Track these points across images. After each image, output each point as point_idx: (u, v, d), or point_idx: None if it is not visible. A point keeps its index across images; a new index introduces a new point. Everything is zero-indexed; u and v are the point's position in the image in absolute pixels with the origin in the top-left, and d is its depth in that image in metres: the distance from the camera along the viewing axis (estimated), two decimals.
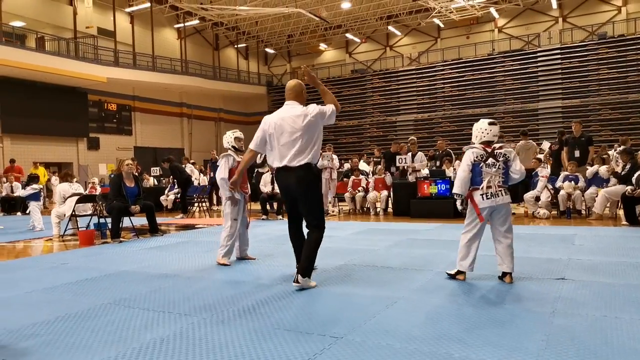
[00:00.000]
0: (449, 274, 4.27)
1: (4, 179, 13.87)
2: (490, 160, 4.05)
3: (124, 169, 7.58)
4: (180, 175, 11.37)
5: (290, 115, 4.13)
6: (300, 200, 4.09)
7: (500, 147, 4.15)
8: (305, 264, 4.02)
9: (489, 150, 4.09)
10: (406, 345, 2.70)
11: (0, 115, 19.98)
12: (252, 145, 4.26)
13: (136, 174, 8.91)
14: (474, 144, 4.22)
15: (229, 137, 5.71)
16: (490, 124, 4.20)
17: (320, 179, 4.43)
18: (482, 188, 4.02)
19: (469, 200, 4.18)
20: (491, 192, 4.02)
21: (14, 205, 13.23)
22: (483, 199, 4.04)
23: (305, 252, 4.04)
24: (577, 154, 9.56)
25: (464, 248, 4.18)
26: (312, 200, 4.09)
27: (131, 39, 25.42)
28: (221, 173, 5.29)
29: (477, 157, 4.07)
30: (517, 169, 4.14)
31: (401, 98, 29.17)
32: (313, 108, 4.16)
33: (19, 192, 9.91)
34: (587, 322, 3.03)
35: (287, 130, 4.06)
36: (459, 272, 4.20)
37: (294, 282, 4.06)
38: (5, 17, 19.72)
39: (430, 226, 8.04)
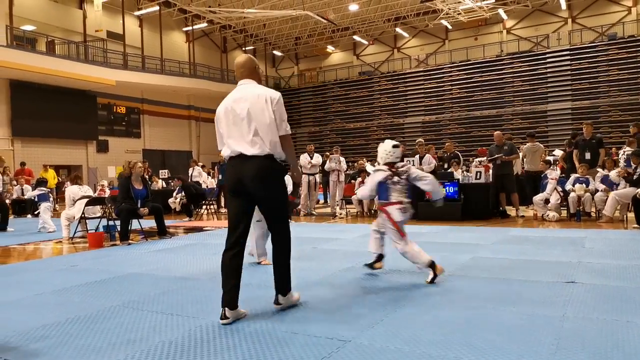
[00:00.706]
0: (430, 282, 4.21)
1: (15, 182, 14.01)
2: (395, 179, 4.44)
3: (135, 171, 7.62)
4: (195, 193, 11.67)
5: (251, 94, 3.36)
6: (260, 199, 3.38)
7: (403, 166, 4.55)
8: (286, 281, 3.51)
9: (393, 170, 4.47)
10: (414, 349, 2.69)
11: (11, 118, 20.21)
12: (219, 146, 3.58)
13: (146, 176, 8.97)
14: (379, 164, 4.61)
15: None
16: (393, 146, 4.57)
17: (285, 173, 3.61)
18: (398, 204, 4.42)
19: (381, 211, 4.54)
20: (405, 208, 4.44)
21: (24, 208, 13.36)
22: (400, 214, 4.41)
23: (282, 270, 3.48)
24: (587, 156, 9.48)
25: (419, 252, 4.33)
26: (276, 199, 3.41)
27: (140, 42, 25.63)
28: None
29: (383, 177, 4.44)
30: (425, 180, 4.55)
31: (409, 100, 29.13)
32: (277, 101, 3.36)
33: (29, 194, 10.03)
34: (598, 326, 3.00)
35: (248, 112, 3.31)
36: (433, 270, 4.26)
37: (274, 304, 3.51)
38: (16, 21, 19.96)
39: (437, 229, 8.01)
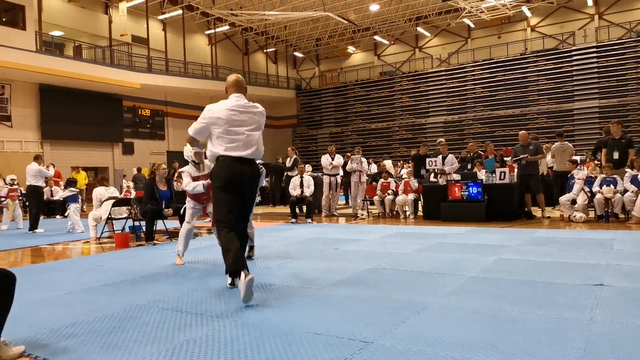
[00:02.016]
0: None
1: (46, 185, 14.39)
2: None
3: (159, 173, 7.72)
4: None
5: (250, 109, 4.12)
6: (248, 196, 4.10)
7: None
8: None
9: None
10: (438, 351, 2.67)
11: (40, 121, 20.77)
12: (191, 131, 4.16)
13: (176, 175, 9.15)
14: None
15: (191, 152, 6.09)
16: None
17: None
18: None
19: None
20: None
21: (54, 209, 13.71)
22: None
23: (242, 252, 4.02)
24: (615, 155, 9.24)
25: None
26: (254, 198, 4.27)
27: (164, 45, 26.05)
28: (189, 185, 5.93)
29: None
30: None
31: (430, 100, 28.87)
32: (264, 113, 4.24)
33: (59, 194, 10.29)
34: (628, 330, 2.92)
35: (248, 122, 4.05)
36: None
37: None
38: (45, 27, 20.52)
39: (461, 230, 7.92)
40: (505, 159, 10.99)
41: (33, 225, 9.71)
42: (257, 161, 4.18)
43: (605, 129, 10.80)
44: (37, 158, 10.26)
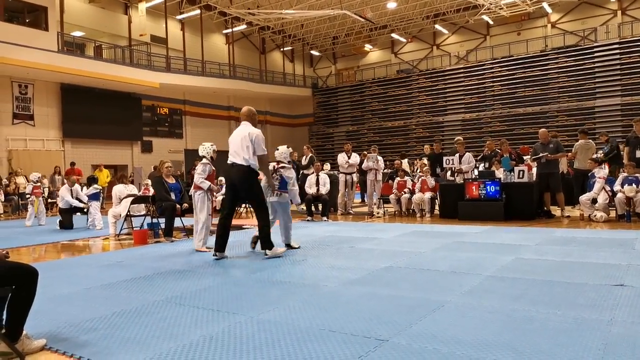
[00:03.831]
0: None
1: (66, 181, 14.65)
2: (273, 175, 6.26)
3: (164, 171, 7.98)
4: None
5: (243, 131, 5.71)
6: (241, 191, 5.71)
7: (281, 167, 6.40)
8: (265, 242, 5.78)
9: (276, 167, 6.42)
10: (453, 350, 2.65)
11: (62, 120, 21.17)
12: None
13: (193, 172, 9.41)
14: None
15: (209, 149, 6.78)
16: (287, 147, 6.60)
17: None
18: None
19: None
20: (277, 193, 6.30)
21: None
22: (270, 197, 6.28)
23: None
24: (638, 154, 9.04)
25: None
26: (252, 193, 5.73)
27: (182, 45, 26.31)
28: (200, 175, 6.53)
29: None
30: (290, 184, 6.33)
31: (448, 98, 28.60)
32: (254, 136, 5.65)
33: (83, 193, 10.42)
34: None
35: (238, 139, 5.68)
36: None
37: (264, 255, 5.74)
38: (66, 27, 20.89)
39: (478, 229, 7.84)
40: (524, 157, 10.82)
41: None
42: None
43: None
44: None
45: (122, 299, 4.02)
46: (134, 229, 8.32)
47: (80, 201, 10.25)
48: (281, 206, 6.34)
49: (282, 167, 6.39)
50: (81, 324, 3.35)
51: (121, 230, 8.60)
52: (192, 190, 6.64)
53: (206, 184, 6.50)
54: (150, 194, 8.81)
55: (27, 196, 11.55)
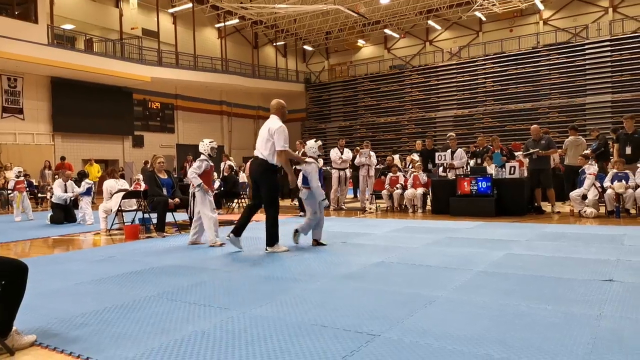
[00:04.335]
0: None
1: (57, 176, 14.52)
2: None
3: (156, 166, 7.94)
4: (234, 185, 12.13)
5: (267, 126, 5.76)
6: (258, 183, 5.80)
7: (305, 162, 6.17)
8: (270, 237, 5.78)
9: None
10: (444, 345, 2.67)
11: (52, 114, 20.96)
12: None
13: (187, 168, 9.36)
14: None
15: (207, 145, 6.72)
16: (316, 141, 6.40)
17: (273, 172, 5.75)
18: None
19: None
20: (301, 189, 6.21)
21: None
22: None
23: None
24: (628, 150, 9.12)
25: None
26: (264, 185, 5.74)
27: (174, 39, 26.11)
28: (195, 170, 6.46)
29: None
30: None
31: (441, 94, 28.67)
32: (274, 130, 5.63)
33: (77, 190, 10.29)
34: (636, 325, 2.90)
35: (262, 133, 5.74)
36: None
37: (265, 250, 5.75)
38: (56, 20, 20.64)
39: (470, 224, 7.89)
40: (516, 153, 10.89)
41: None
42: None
43: (614, 128, 10.69)
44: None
45: (114, 294, 4.00)
46: (125, 224, 8.28)
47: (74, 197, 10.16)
48: (307, 202, 6.12)
49: (306, 162, 6.21)
50: (72, 319, 3.33)
51: (112, 225, 8.55)
52: (191, 188, 6.64)
53: (197, 181, 6.43)
54: (142, 189, 8.76)
55: (9, 192, 11.40)
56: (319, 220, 6.15)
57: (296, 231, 6.15)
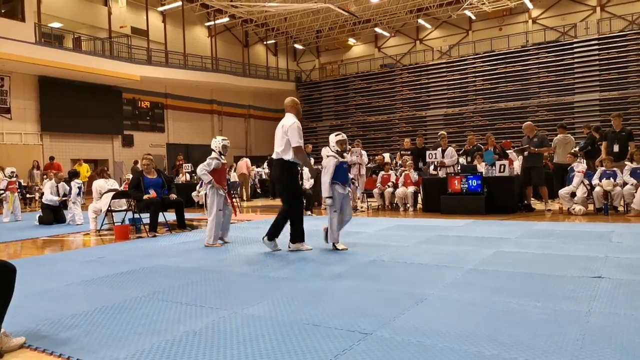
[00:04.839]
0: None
1: (46, 177, 14.37)
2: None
3: (142, 167, 7.96)
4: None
5: (282, 123, 5.69)
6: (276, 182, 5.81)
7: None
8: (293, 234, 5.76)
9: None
10: (436, 343, 2.69)
11: (40, 114, 20.73)
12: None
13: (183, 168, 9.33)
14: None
15: (219, 143, 6.67)
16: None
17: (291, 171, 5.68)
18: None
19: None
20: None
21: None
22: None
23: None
24: (616, 148, 9.23)
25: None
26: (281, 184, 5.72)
27: (163, 37, 25.92)
28: (205, 167, 6.41)
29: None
30: None
31: (431, 92, 28.77)
32: (289, 127, 5.56)
33: (73, 192, 10.14)
34: (625, 321, 2.94)
35: (278, 132, 5.68)
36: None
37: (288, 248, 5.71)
38: (43, 18, 20.40)
39: (460, 222, 7.93)
40: (507, 151, 10.96)
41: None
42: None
43: (594, 127, 10.78)
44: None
45: (104, 295, 3.97)
46: (115, 224, 8.22)
47: (65, 195, 10.04)
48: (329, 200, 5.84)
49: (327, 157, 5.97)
50: (61, 320, 3.30)
51: (102, 225, 8.48)
52: (204, 186, 6.55)
53: (207, 177, 6.38)
54: None
55: (1, 192, 11.28)
56: (344, 222, 5.88)
57: (333, 245, 5.79)
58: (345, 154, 6.04)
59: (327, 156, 5.92)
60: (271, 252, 5.67)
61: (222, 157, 6.65)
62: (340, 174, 5.81)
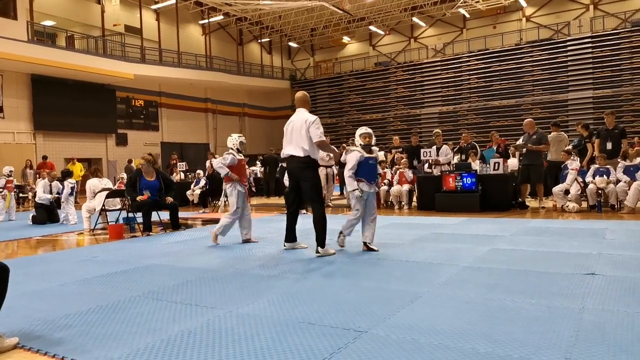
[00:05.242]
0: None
1: (39, 176, 14.28)
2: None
3: (139, 166, 7.86)
4: (220, 182, 12.12)
5: (298, 121, 5.40)
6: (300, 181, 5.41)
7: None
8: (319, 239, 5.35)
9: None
10: (430, 340, 2.69)
11: (32, 112, 20.59)
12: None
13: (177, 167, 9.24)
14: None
15: (236, 140, 6.62)
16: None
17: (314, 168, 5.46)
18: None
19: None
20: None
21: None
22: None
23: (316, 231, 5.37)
24: (609, 146, 9.28)
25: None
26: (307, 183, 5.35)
27: (157, 35, 25.80)
28: (222, 161, 6.39)
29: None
30: None
31: (425, 90, 28.82)
32: (312, 122, 5.31)
33: (65, 192, 10.06)
34: (618, 318, 2.96)
35: (295, 129, 5.37)
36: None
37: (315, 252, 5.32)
38: (36, 16, 20.26)
39: (455, 220, 7.95)
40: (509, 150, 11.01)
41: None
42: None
43: (582, 124, 10.81)
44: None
45: (98, 294, 3.95)
46: (109, 223, 8.18)
47: (58, 193, 9.97)
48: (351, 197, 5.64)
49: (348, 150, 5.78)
50: (55, 320, 3.28)
51: (96, 225, 8.44)
52: (224, 184, 6.61)
53: (224, 170, 6.31)
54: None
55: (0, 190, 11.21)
56: (366, 220, 5.51)
57: (340, 233, 5.68)
58: (374, 148, 5.68)
59: (351, 150, 5.65)
60: (262, 250, 5.65)
61: (240, 154, 6.56)
62: (365, 170, 5.48)
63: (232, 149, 6.57)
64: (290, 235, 5.72)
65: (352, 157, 5.54)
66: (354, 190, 5.41)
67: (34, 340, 2.92)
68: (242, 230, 6.48)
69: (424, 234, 6.55)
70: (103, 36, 22.77)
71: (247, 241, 6.41)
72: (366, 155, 5.51)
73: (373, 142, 5.71)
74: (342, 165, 12.16)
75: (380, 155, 14.06)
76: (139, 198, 7.53)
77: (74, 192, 10.73)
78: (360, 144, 5.58)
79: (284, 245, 5.72)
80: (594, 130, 10.22)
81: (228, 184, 6.42)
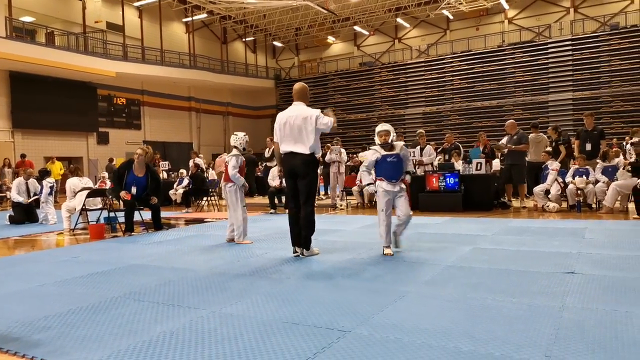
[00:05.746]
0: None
1: (17, 175, 14.00)
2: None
3: (135, 159, 7.60)
4: (202, 182, 12.21)
5: (299, 115, 5.11)
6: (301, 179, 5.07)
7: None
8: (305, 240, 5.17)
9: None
10: (414, 339, 2.71)
11: (11, 110, 20.18)
12: (275, 138, 5.31)
13: (152, 164, 9.10)
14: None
15: (242, 139, 6.44)
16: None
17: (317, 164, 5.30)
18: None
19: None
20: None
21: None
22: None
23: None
24: (588, 147, 9.46)
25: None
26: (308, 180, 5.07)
27: (140, 33, 25.51)
28: (234, 168, 6.18)
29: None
30: None
31: (409, 91, 29.02)
32: (316, 117, 5.06)
33: (37, 190, 9.85)
34: (597, 316, 3.01)
35: (296, 125, 5.07)
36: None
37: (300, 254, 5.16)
38: (15, 12, 19.85)
39: (438, 220, 8.02)
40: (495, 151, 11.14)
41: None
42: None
43: (553, 127, 10.98)
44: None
45: (78, 295, 3.89)
46: (90, 223, 8.05)
47: (35, 194, 9.78)
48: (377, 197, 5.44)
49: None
50: (34, 322, 3.21)
51: (76, 224, 8.30)
52: (222, 183, 6.38)
53: (241, 181, 6.16)
54: (107, 187, 8.54)
55: None
56: (400, 221, 5.30)
57: (394, 233, 5.36)
58: (396, 143, 5.34)
59: (370, 148, 5.46)
60: (244, 250, 5.62)
61: (244, 152, 6.45)
62: (385, 169, 5.21)
63: (237, 147, 6.37)
64: (299, 240, 5.20)
65: (368, 155, 5.50)
66: (368, 185, 5.37)
67: (11, 343, 2.86)
68: (230, 228, 6.36)
69: (407, 234, 6.56)
70: (84, 33, 22.44)
71: (231, 240, 6.32)
72: (384, 153, 5.21)
73: (391, 137, 5.25)
74: (326, 165, 12.21)
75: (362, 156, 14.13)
76: (122, 194, 7.40)
77: (54, 192, 10.54)
78: (378, 143, 5.31)
79: (295, 251, 5.21)
80: (569, 132, 10.43)
81: (229, 184, 6.22)
